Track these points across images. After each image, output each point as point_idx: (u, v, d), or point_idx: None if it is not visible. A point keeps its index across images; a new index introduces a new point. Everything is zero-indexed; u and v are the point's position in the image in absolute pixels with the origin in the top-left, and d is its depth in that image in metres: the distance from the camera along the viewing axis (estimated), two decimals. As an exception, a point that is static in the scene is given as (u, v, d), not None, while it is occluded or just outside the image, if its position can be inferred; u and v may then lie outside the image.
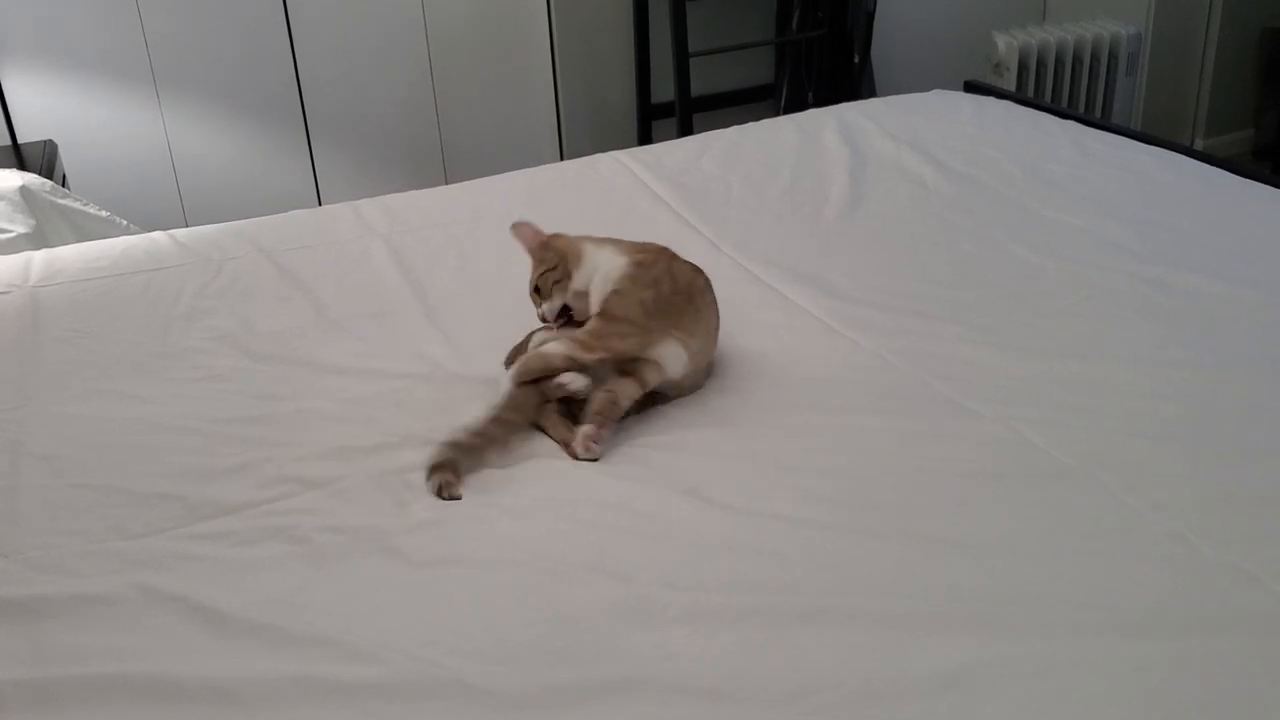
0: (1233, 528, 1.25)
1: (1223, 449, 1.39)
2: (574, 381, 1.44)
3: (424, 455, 1.46)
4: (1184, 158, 2.36)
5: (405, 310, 1.90)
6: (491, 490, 1.40)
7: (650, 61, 3.96)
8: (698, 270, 1.61)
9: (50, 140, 3.27)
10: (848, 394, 1.58)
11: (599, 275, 1.54)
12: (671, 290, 1.51)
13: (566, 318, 1.57)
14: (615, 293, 1.49)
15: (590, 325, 1.49)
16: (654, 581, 1.21)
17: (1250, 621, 1.11)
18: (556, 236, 1.60)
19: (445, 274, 2.03)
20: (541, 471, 1.44)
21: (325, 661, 1.12)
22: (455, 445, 1.41)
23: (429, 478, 1.39)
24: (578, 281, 1.54)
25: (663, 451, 1.46)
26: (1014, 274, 1.90)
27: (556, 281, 1.54)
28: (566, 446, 1.45)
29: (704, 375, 1.61)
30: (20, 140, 3.33)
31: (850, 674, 1.07)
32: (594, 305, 1.53)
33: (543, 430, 1.50)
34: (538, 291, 1.57)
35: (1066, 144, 2.46)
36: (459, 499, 1.37)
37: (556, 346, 1.47)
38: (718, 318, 1.62)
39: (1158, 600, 1.15)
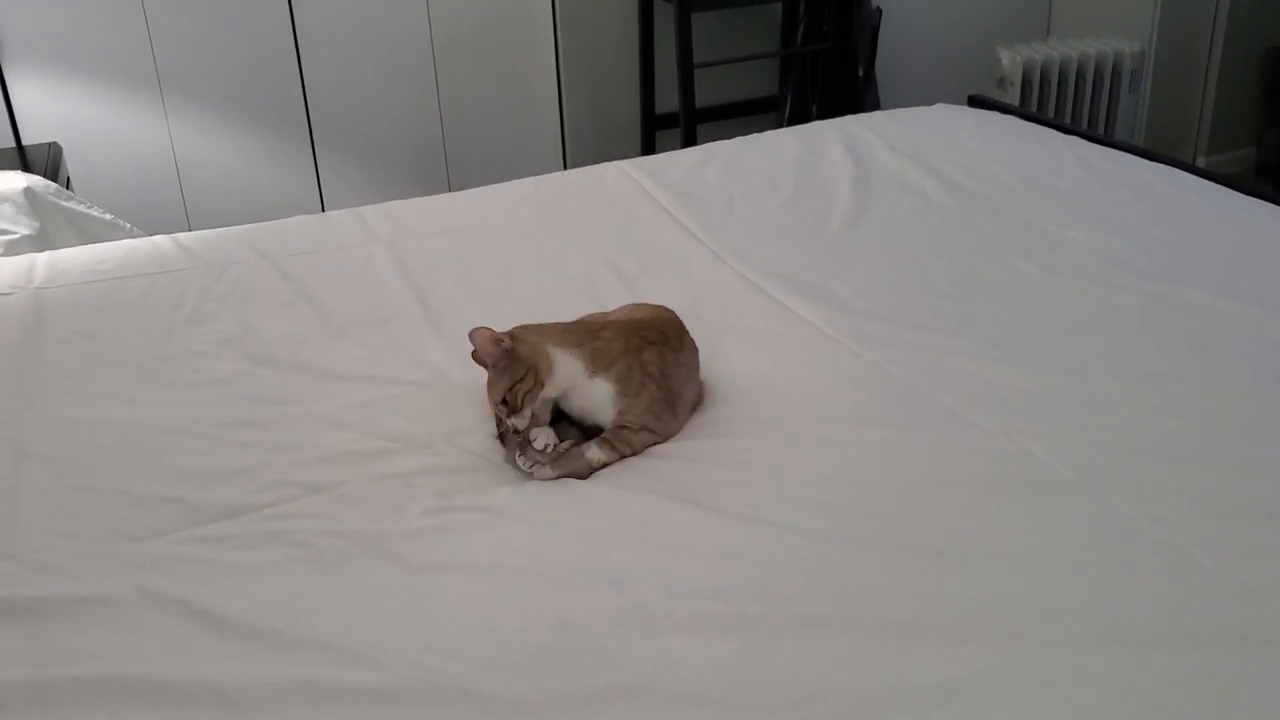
0: (1233, 542, 1.25)
1: (1224, 464, 1.39)
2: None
3: (425, 461, 1.47)
4: (1187, 174, 2.36)
5: (407, 317, 1.91)
6: (492, 497, 1.40)
7: (655, 72, 3.97)
8: (661, 331, 1.57)
9: (55, 142, 3.27)
10: (849, 405, 1.58)
11: (587, 400, 1.49)
12: (657, 386, 1.50)
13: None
14: (622, 414, 1.48)
15: (623, 435, 1.47)
16: (655, 589, 1.21)
17: (1250, 635, 1.12)
18: (518, 341, 1.47)
19: (448, 281, 2.03)
20: (539, 480, 1.44)
21: (325, 666, 1.12)
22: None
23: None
24: (549, 390, 1.47)
25: (663, 460, 1.47)
26: (1017, 288, 1.91)
27: (528, 392, 1.45)
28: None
29: (701, 396, 1.62)
30: (25, 142, 3.33)
31: (850, 682, 1.07)
32: (603, 419, 1.49)
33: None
34: (505, 404, 1.45)
35: (1070, 159, 2.47)
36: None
37: (598, 454, 1.46)
38: (694, 347, 1.62)
39: (1158, 613, 1.15)
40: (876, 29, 4.01)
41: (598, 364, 1.48)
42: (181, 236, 2.28)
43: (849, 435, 1.50)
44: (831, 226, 2.21)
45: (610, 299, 1.83)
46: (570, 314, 1.68)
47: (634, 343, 1.52)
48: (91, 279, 2.08)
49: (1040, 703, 1.05)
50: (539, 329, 1.51)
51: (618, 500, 1.38)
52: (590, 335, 1.52)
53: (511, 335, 1.48)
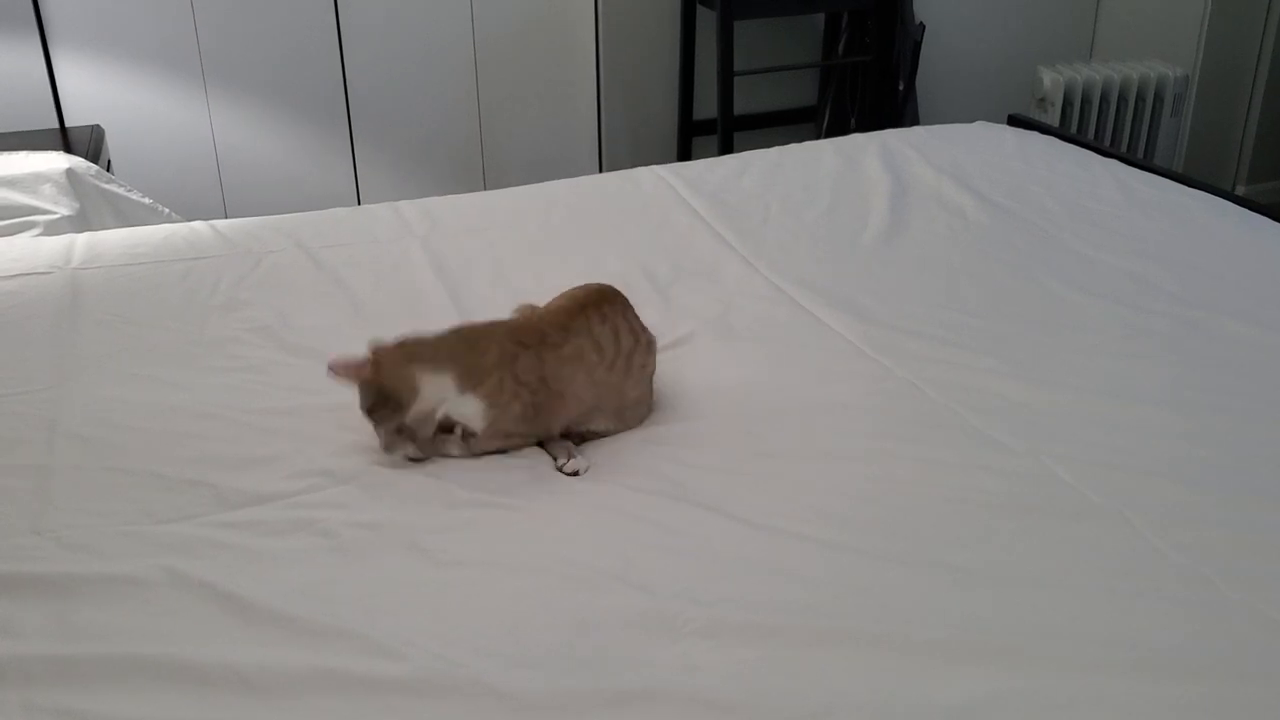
0: (1259, 573, 1.24)
1: (1253, 494, 1.39)
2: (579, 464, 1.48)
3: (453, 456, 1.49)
4: (1227, 203, 2.35)
5: (440, 313, 1.91)
6: (517, 495, 1.41)
7: (694, 78, 3.98)
8: (541, 332, 1.51)
9: (97, 125, 3.31)
10: (878, 419, 1.58)
11: (460, 415, 1.48)
12: (531, 394, 1.48)
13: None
14: (492, 424, 1.47)
15: (480, 442, 1.49)
16: (677, 595, 1.21)
17: (1273, 667, 1.11)
18: (382, 368, 1.44)
19: (482, 279, 2.04)
20: (567, 479, 1.45)
21: (347, 654, 1.13)
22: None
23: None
24: (412, 415, 1.45)
25: (689, 468, 1.47)
26: (1051, 309, 1.90)
27: (384, 420, 1.45)
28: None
29: (644, 407, 1.59)
30: (68, 124, 3.37)
31: (869, 697, 1.07)
32: (476, 429, 1.49)
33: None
34: (371, 415, 1.47)
35: (1109, 183, 2.46)
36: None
37: (454, 449, 1.49)
38: (616, 345, 1.54)
39: (1180, 642, 1.14)
40: (918, 44, 4.00)
41: (469, 381, 1.46)
42: (219, 224, 2.30)
43: (877, 450, 1.50)
44: (867, 240, 2.21)
45: (643, 303, 1.83)
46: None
47: (510, 350, 1.48)
48: (129, 262, 2.10)
49: (1059, 726, 1.04)
50: (416, 345, 1.47)
51: (643, 505, 1.38)
52: (468, 348, 1.48)
53: (377, 360, 1.45)
